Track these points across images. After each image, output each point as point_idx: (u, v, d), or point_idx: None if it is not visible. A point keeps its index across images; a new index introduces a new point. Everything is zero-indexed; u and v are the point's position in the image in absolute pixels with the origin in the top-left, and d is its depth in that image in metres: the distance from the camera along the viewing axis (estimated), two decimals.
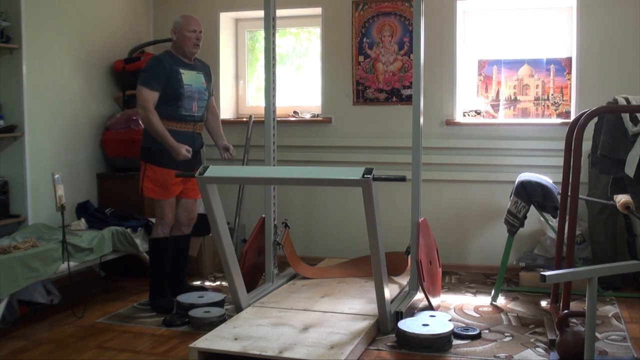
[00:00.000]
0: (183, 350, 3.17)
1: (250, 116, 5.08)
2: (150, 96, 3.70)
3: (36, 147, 4.18)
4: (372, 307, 3.49)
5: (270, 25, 4.06)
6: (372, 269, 3.25)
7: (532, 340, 3.28)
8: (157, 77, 3.73)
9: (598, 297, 2.52)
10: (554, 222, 3.93)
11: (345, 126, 4.97)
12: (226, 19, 5.30)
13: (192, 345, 3.04)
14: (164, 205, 3.87)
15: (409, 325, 3.25)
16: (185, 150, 3.74)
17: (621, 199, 3.37)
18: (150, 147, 3.81)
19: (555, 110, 4.71)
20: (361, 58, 4.90)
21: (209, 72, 4.05)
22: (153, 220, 4.37)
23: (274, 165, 4.13)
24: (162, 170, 3.81)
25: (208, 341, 3.07)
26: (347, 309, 3.58)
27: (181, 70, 3.81)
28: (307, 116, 5.10)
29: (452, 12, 4.70)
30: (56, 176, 3.78)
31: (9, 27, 3.99)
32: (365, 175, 2.97)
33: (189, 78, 3.84)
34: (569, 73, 4.64)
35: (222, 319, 3.50)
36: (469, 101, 4.86)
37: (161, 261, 3.91)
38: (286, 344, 3.02)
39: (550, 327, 3.37)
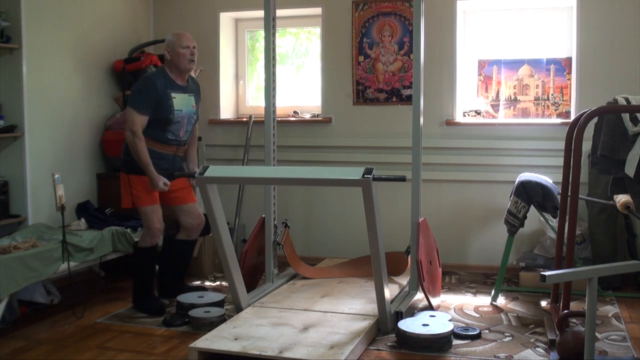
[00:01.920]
0: (183, 350, 3.17)
1: (250, 116, 5.08)
2: (139, 120, 3.66)
3: (36, 147, 4.18)
4: (372, 307, 3.49)
5: (270, 25, 4.06)
6: (372, 269, 3.25)
7: (532, 340, 3.28)
8: (148, 101, 3.68)
9: (598, 297, 2.52)
10: (554, 222, 3.93)
11: (345, 126, 4.97)
12: (226, 19, 5.30)
13: (192, 345, 3.04)
14: (149, 212, 3.80)
15: (409, 325, 3.25)
16: (162, 184, 3.72)
17: (621, 199, 3.37)
18: (133, 160, 3.73)
19: (555, 110, 4.71)
20: (361, 58, 4.90)
21: (199, 91, 4.02)
22: None
23: (274, 165, 4.12)
24: (145, 178, 3.74)
25: (208, 341, 3.07)
26: (347, 309, 3.58)
27: (173, 95, 3.76)
28: (307, 116, 5.10)
29: (452, 12, 4.70)
30: (56, 176, 3.78)
31: (9, 27, 3.99)
32: (365, 175, 2.97)
33: (180, 102, 3.80)
34: (569, 73, 4.63)
35: (222, 319, 3.50)
36: (469, 101, 4.86)
37: (147, 271, 3.90)
38: (286, 344, 3.03)
39: (550, 327, 3.37)
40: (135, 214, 4.42)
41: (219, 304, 3.74)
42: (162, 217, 3.88)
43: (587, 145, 3.51)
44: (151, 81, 3.74)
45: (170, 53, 3.80)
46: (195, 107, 3.93)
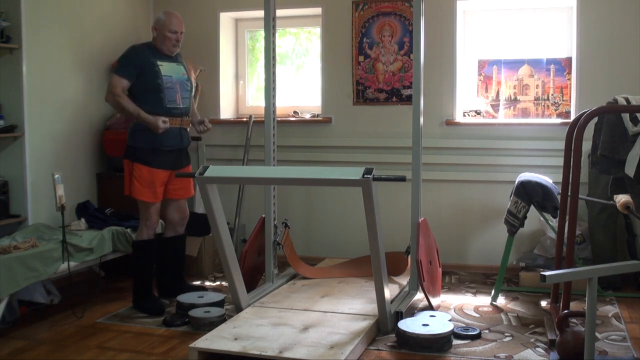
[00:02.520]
0: (183, 350, 3.17)
1: (250, 116, 5.08)
2: (118, 82, 3.70)
3: (36, 147, 4.18)
4: (372, 307, 3.49)
5: (270, 25, 4.06)
6: (372, 269, 3.25)
7: (532, 340, 3.28)
8: (128, 66, 3.73)
9: (598, 297, 2.52)
10: (554, 222, 3.93)
11: (345, 126, 4.97)
12: (226, 19, 5.30)
13: (192, 345, 3.04)
14: (150, 207, 3.82)
15: (409, 325, 3.25)
16: (161, 122, 3.70)
17: (621, 199, 3.37)
18: (137, 146, 3.77)
19: (555, 110, 4.71)
20: (361, 58, 4.90)
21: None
22: None
23: (274, 165, 4.12)
24: (150, 170, 3.77)
25: (208, 341, 3.07)
26: (347, 309, 3.58)
27: (159, 62, 3.78)
28: (307, 116, 5.10)
29: (452, 12, 4.70)
30: (56, 176, 3.78)
31: (9, 27, 3.99)
32: (365, 175, 2.97)
33: (169, 69, 3.81)
34: (569, 73, 4.63)
35: (222, 319, 3.50)
36: (469, 101, 4.86)
37: (147, 264, 3.90)
38: (286, 344, 3.03)
39: (550, 327, 3.37)
40: (135, 214, 4.42)
41: (219, 304, 3.74)
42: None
43: (587, 145, 3.51)
44: (133, 49, 3.84)
45: (157, 32, 3.83)
46: (186, 75, 3.93)
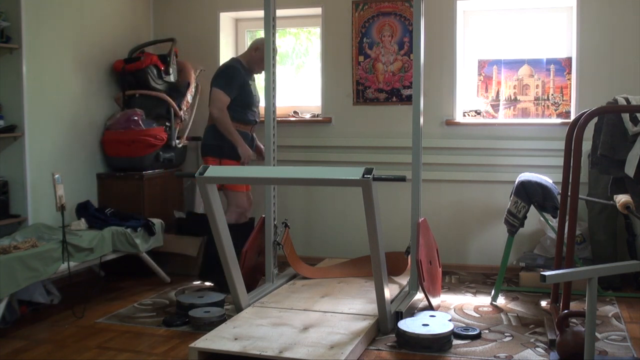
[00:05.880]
0: (183, 350, 3.17)
1: None
2: (226, 100, 4.22)
3: (36, 147, 4.18)
4: (372, 307, 3.49)
5: (270, 25, 4.06)
6: (372, 269, 3.25)
7: (532, 340, 3.28)
8: (233, 85, 4.25)
9: (598, 297, 2.53)
10: (554, 222, 3.93)
11: (345, 126, 4.97)
12: (226, 19, 5.30)
13: (192, 345, 3.04)
14: (243, 195, 4.37)
15: (409, 325, 3.25)
16: (252, 153, 4.34)
17: (621, 199, 3.37)
18: (222, 145, 4.26)
19: (555, 110, 4.71)
20: (361, 58, 4.90)
21: None
22: (153, 220, 4.40)
23: (274, 165, 4.13)
24: (234, 163, 4.26)
25: (208, 341, 3.07)
26: (347, 309, 3.58)
27: (249, 82, 4.36)
28: (307, 116, 5.10)
29: (452, 12, 4.70)
30: (56, 176, 3.78)
31: (9, 27, 3.99)
32: (365, 175, 2.97)
33: (254, 88, 4.43)
34: (569, 73, 4.64)
35: (222, 319, 3.50)
36: (469, 101, 4.86)
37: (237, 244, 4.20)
38: (286, 344, 3.03)
39: (550, 327, 3.37)
40: (135, 214, 4.42)
41: (219, 304, 3.74)
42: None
43: (587, 145, 3.51)
44: (237, 69, 4.31)
45: (258, 52, 4.31)
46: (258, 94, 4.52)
